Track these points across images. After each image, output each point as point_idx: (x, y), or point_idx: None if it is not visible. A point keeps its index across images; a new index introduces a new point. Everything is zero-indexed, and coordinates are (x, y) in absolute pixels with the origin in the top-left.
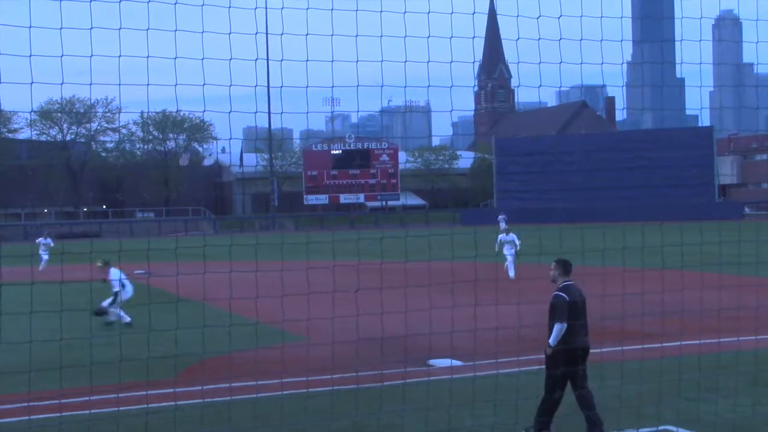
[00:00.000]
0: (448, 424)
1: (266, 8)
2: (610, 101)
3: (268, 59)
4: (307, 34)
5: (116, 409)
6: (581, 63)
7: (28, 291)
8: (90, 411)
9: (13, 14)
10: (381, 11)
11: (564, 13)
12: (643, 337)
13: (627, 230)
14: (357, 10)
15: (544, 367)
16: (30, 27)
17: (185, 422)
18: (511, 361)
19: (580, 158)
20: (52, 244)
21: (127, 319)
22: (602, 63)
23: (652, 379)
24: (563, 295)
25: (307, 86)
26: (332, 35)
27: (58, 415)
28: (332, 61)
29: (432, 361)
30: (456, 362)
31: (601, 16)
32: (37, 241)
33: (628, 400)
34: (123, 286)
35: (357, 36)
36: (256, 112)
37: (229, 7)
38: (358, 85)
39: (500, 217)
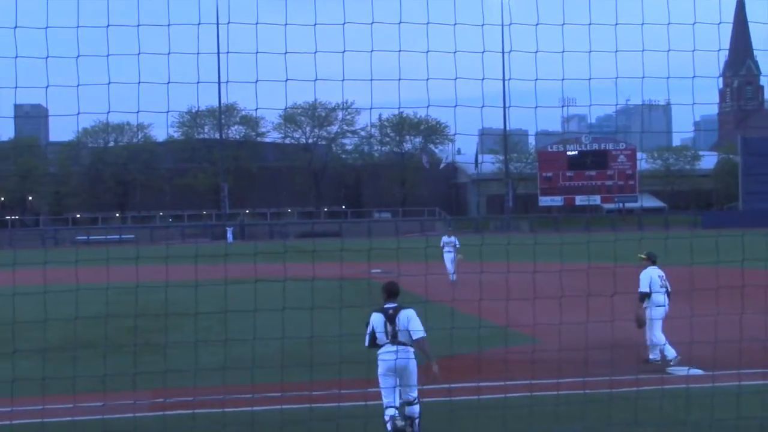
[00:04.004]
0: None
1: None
2: None
3: (503, 53)
4: (537, 24)
5: (355, 404)
6: None
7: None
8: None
9: (241, 13)
10: None
11: None
12: None
13: None
14: None
15: None
16: (286, 24)
17: (428, 417)
18: (755, 372)
19: None
20: (458, 244)
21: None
22: None
23: None
24: None
25: (536, 79)
26: (563, 24)
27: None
28: (563, 51)
29: (671, 369)
30: (695, 371)
31: None
32: (442, 243)
33: None
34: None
35: (590, 24)
36: (506, 106)
37: None
38: (590, 78)
39: None
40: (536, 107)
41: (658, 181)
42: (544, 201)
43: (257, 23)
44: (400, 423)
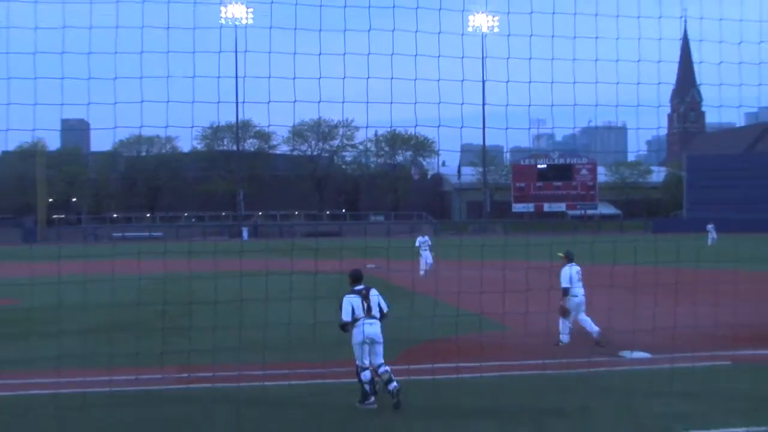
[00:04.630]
0: (638, 409)
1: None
2: None
3: (484, 83)
4: (508, 58)
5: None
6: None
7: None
8: (339, 380)
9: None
10: (574, 37)
11: (745, 39)
12: None
13: None
14: (575, 37)
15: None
16: (294, 53)
17: (413, 393)
18: (691, 356)
19: None
20: (430, 243)
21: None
22: None
23: None
24: None
25: (507, 105)
26: (530, 59)
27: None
28: (529, 82)
29: (623, 353)
30: (645, 354)
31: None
32: (417, 243)
33: None
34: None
35: (552, 59)
36: (483, 127)
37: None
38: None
39: (709, 226)
40: (507, 128)
41: (614, 192)
42: (517, 207)
43: (270, 52)
44: (378, 386)
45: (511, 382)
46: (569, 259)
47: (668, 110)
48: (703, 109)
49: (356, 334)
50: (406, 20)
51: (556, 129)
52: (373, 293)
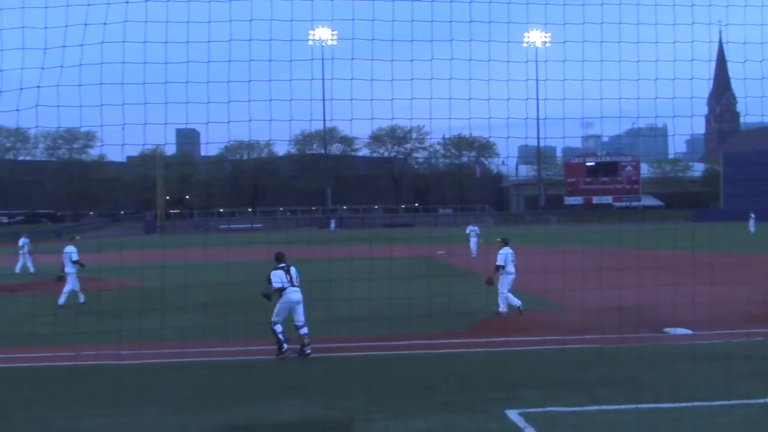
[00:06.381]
0: (674, 379)
1: (536, 59)
2: None
3: (537, 98)
4: (564, 80)
5: (428, 351)
6: None
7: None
8: (409, 352)
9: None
10: (619, 60)
11: None
12: None
13: None
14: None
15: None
16: (372, 80)
17: (477, 363)
18: (738, 332)
19: None
20: (478, 231)
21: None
22: None
23: None
24: None
25: (564, 118)
26: (582, 80)
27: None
28: (582, 99)
29: (667, 329)
30: (686, 331)
31: None
32: (468, 230)
33: None
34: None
35: (601, 80)
36: (526, 138)
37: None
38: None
39: (751, 214)
40: (545, 138)
41: (657, 186)
42: (569, 200)
43: (352, 79)
44: (286, 336)
45: (563, 354)
46: (505, 243)
47: (705, 111)
48: (738, 109)
49: (284, 299)
50: (462, 50)
51: (603, 131)
52: (293, 269)
